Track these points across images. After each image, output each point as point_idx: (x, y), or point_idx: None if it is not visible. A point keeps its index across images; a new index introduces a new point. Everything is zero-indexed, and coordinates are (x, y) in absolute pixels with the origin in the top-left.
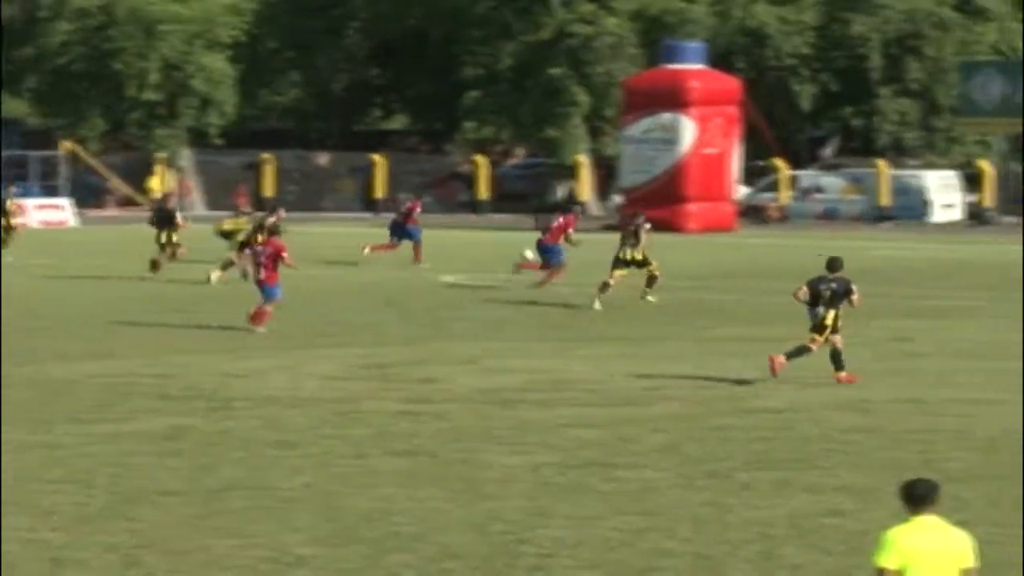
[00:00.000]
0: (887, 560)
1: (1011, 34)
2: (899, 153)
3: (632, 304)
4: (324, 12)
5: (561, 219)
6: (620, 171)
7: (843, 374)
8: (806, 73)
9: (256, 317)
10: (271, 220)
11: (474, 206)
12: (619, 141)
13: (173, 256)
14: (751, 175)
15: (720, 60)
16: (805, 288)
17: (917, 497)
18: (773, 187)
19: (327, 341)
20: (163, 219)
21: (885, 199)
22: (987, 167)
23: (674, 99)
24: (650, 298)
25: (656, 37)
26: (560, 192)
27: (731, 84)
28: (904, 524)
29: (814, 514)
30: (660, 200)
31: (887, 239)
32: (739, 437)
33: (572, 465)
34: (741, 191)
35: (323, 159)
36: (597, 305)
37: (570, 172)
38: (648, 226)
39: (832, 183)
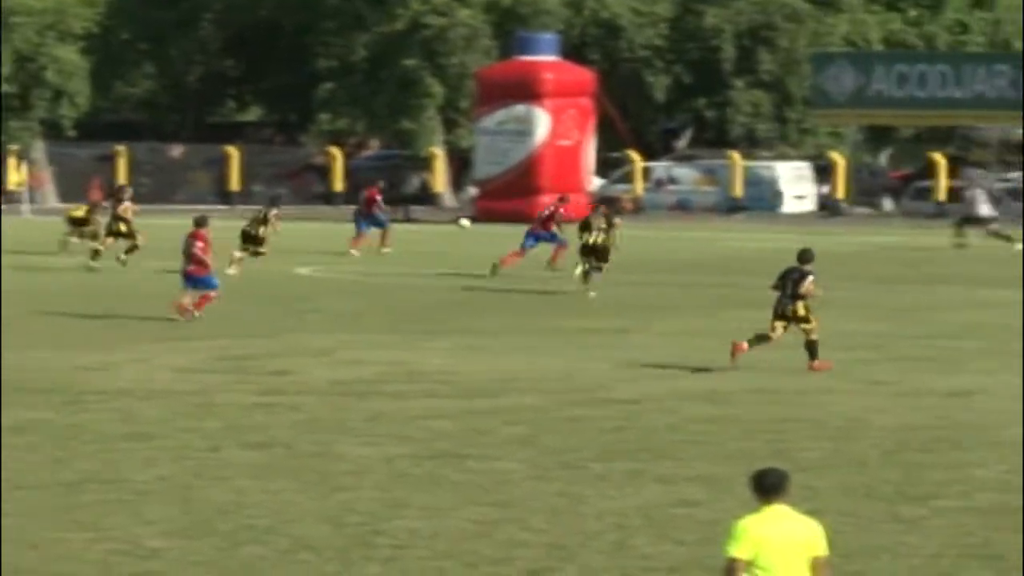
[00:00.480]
0: (738, 550)
1: (862, 25)
2: (752, 144)
3: (486, 297)
4: (177, 3)
5: (552, 209)
6: (475, 163)
7: (816, 362)
8: (659, 65)
9: (199, 303)
10: (273, 212)
11: (328, 198)
12: (473, 133)
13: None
14: (605, 167)
15: (573, 52)
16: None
17: (768, 487)
18: (627, 179)
19: (181, 333)
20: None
21: (738, 190)
22: (839, 158)
23: (528, 91)
24: (591, 295)
25: (509, 29)
26: (415, 184)
27: (584, 76)
28: (755, 514)
29: (667, 504)
30: (514, 192)
31: (740, 230)
32: (592, 428)
33: (426, 456)
34: (595, 183)
35: (177, 151)
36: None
37: (424, 164)
38: (618, 220)
39: (685, 174)
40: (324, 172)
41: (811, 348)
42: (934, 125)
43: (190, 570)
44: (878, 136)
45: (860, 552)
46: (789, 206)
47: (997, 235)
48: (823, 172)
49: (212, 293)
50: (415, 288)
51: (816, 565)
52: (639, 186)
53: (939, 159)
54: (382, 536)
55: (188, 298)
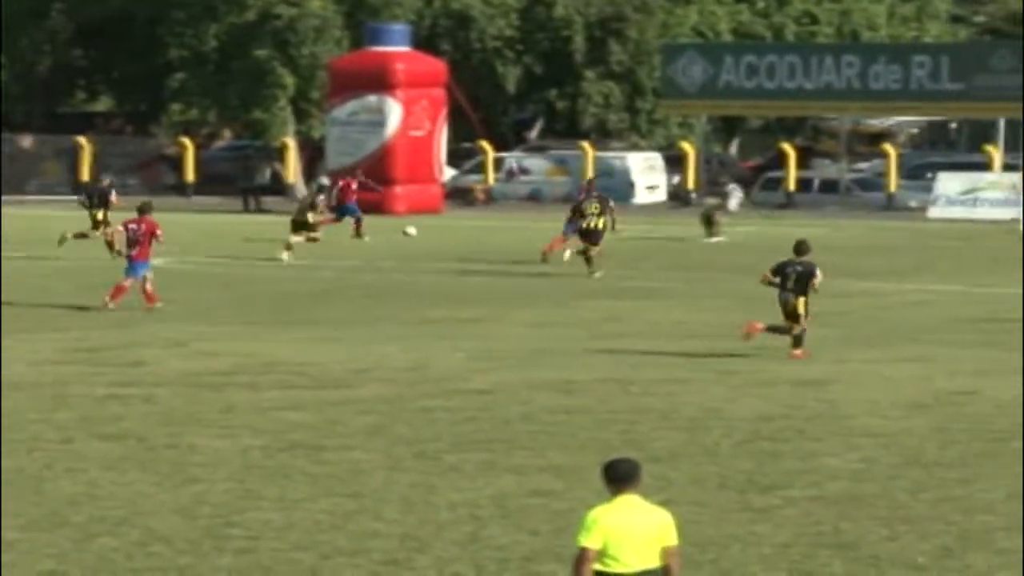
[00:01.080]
0: (589, 539)
1: (712, 16)
2: (603, 135)
3: (339, 286)
4: None
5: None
6: (327, 153)
7: (799, 351)
8: (510, 55)
9: (115, 293)
10: (320, 198)
11: (181, 188)
12: (325, 123)
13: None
14: (457, 157)
15: (425, 42)
16: (768, 273)
17: (619, 477)
18: (479, 169)
19: (35, 325)
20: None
21: None
22: (690, 149)
23: (380, 81)
24: (597, 275)
25: (361, 19)
26: (266, 174)
27: (436, 66)
28: (606, 504)
29: (520, 494)
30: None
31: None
32: (446, 418)
33: (280, 448)
34: (448, 173)
35: (27, 141)
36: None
37: (276, 154)
38: (611, 204)
39: (537, 165)
40: (176, 163)
41: (797, 337)
42: (784, 115)
43: (44, 562)
44: (728, 127)
45: (712, 542)
46: (641, 196)
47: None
48: (674, 162)
49: (127, 283)
50: (269, 279)
51: (666, 554)
52: (491, 177)
53: (789, 149)
54: (236, 528)
55: (129, 282)
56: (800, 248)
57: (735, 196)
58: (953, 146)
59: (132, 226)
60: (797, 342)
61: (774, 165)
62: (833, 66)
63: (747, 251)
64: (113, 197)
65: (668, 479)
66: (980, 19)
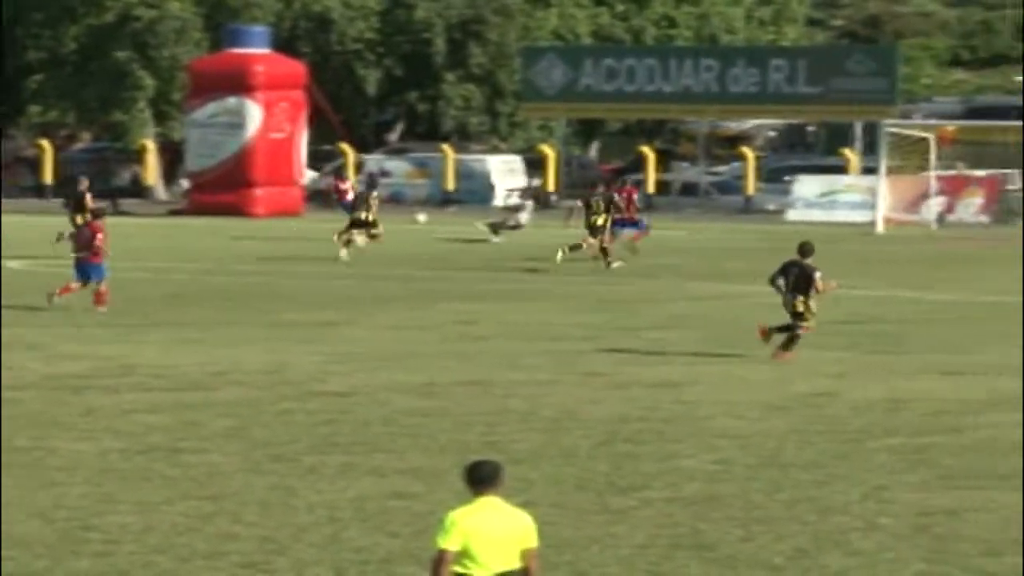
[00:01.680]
0: (448, 541)
1: (571, 20)
2: (464, 138)
3: (193, 289)
4: None
5: (626, 192)
6: (187, 155)
7: (788, 353)
8: (371, 58)
9: (98, 297)
10: (373, 194)
11: (39, 190)
12: (185, 125)
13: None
14: (318, 159)
15: (285, 44)
16: (779, 277)
17: (480, 479)
18: (340, 171)
19: None
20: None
21: (450, 183)
22: (550, 152)
23: (240, 83)
24: (615, 265)
25: (221, 21)
26: (125, 176)
27: (296, 68)
28: (467, 506)
29: (379, 496)
30: (227, 185)
31: (453, 223)
32: (305, 421)
33: (139, 451)
34: (308, 175)
35: None
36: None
37: (136, 156)
38: (616, 200)
39: (398, 167)
40: (34, 165)
41: (791, 340)
42: (643, 118)
43: None
44: (588, 129)
45: (570, 543)
46: (501, 199)
47: (495, 228)
48: (534, 165)
49: (77, 282)
50: (127, 281)
51: (526, 556)
52: (352, 179)
53: (648, 152)
54: (93, 531)
55: (76, 284)
56: (804, 249)
57: (525, 213)
58: (811, 149)
59: (88, 230)
60: (788, 344)
61: (634, 168)
62: (692, 69)
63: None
64: (88, 200)
65: (527, 480)
66: (837, 23)
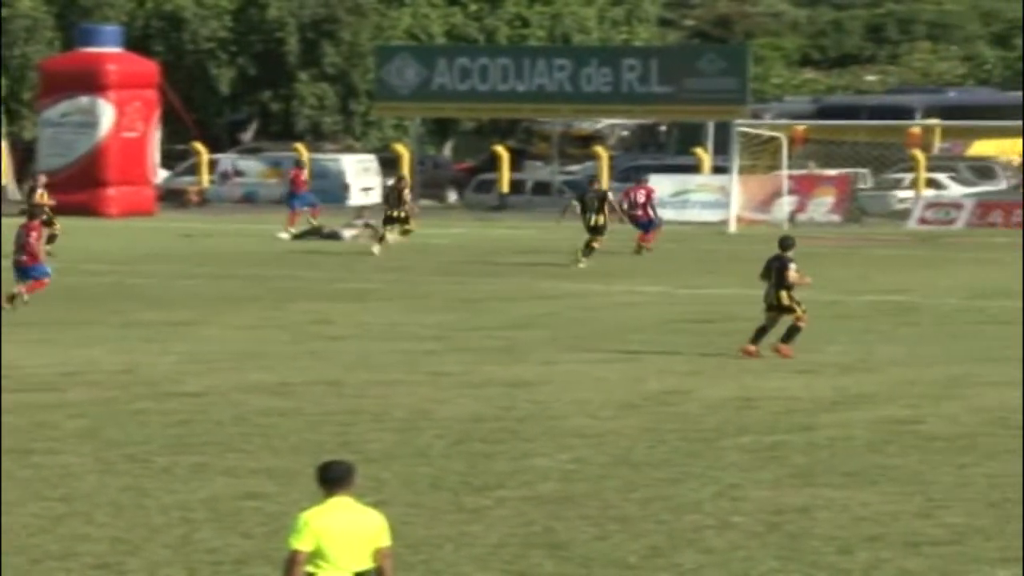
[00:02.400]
0: (300, 542)
1: (425, 19)
2: (318, 137)
3: (53, 289)
4: None
5: (643, 190)
6: (38, 155)
7: (786, 346)
8: (224, 57)
9: (31, 288)
10: (406, 192)
11: None
12: (37, 124)
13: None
14: (171, 159)
15: (138, 43)
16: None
17: (332, 479)
18: (193, 171)
19: None
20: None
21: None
22: (403, 151)
23: (92, 82)
24: (581, 264)
25: (73, 20)
26: None
27: (149, 68)
28: (319, 506)
29: (233, 497)
30: (80, 184)
31: (305, 222)
32: (158, 421)
33: None
34: (161, 175)
35: None
36: (583, 264)
37: None
38: (611, 196)
39: (251, 167)
40: None
41: (791, 332)
42: (496, 118)
43: None
44: (442, 129)
45: (425, 542)
46: (356, 198)
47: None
48: (388, 164)
49: (47, 280)
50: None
51: (379, 555)
52: (205, 178)
53: (502, 152)
54: None
55: (20, 288)
56: (784, 243)
57: (351, 231)
58: (663, 148)
59: (24, 231)
60: (788, 337)
61: (487, 167)
62: (545, 69)
63: (459, 253)
64: (38, 195)
65: (381, 480)
66: (688, 23)
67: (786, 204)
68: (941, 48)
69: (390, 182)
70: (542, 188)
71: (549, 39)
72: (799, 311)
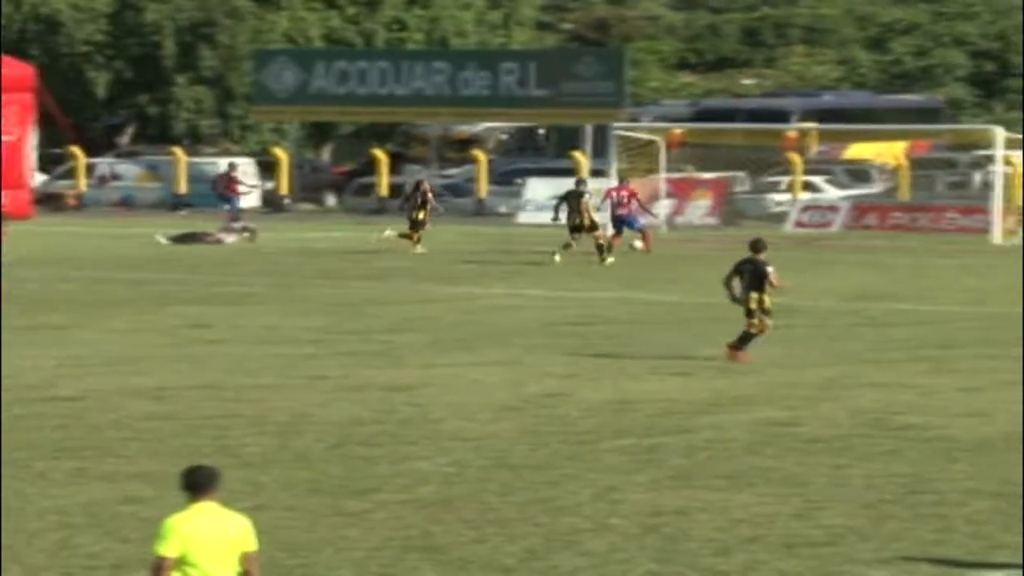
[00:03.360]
0: (166, 548)
1: (303, 23)
2: (196, 140)
3: None
4: None
5: (626, 190)
6: None
7: (740, 352)
8: (100, 60)
9: None
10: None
11: None
12: None
13: None
14: (47, 162)
15: (13, 47)
16: (734, 277)
17: (196, 484)
18: (70, 175)
19: None
20: None
21: (182, 186)
22: (282, 154)
23: None
24: (610, 259)
25: None
26: None
27: (25, 71)
28: (184, 511)
29: (111, 502)
30: None
31: (183, 226)
32: (36, 426)
33: None
34: (38, 178)
35: None
36: (557, 258)
37: None
38: (586, 197)
39: (128, 171)
40: None
41: (744, 338)
42: (375, 121)
43: None
44: (320, 132)
45: (304, 546)
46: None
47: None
48: (267, 168)
49: None
50: None
51: (246, 560)
52: (82, 182)
53: (380, 155)
54: None
55: None
56: (756, 245)
57: (232, 236)
58: (541, 152)
59: None
60: (742, 342)
61: (366, 171)
62: (423, 72)
63: (336, 257)
64: None
65: (259, 484)
66: (566, 26)
67: (663, 207)
68: (816, 52)
69: (409, 184)
70: None
71: (427, 43)
72: (759, 320)
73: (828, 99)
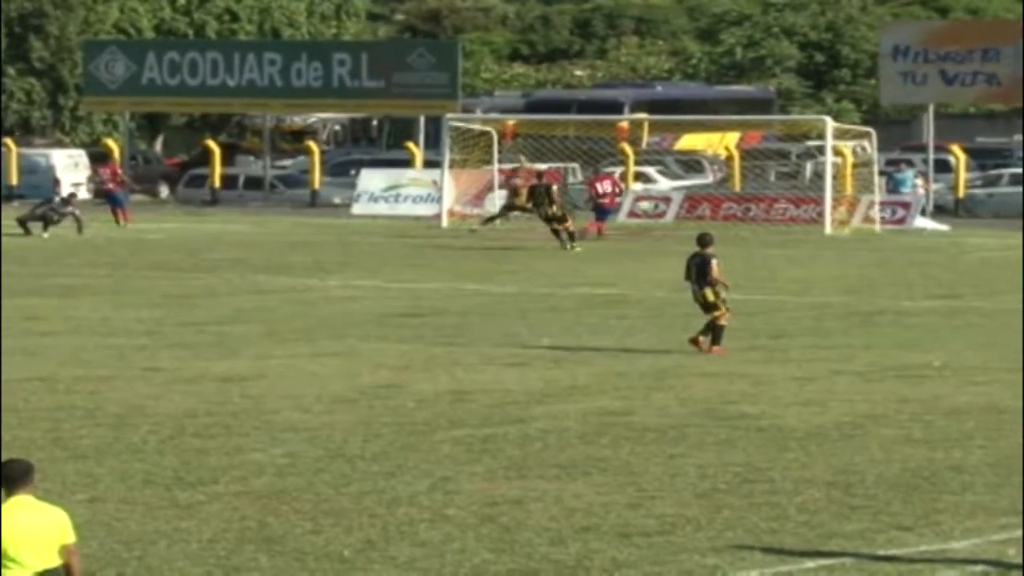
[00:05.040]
0: None
1: (133, 13)
2: (27, 132)
3: None
4: None
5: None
6: None
7: (716, 347)
8: None
9: None
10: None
11: None
12: None
13: None
14: None
15: None
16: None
17: (10, 478)
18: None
19: None
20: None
21: (14, 178)
22: (114, 146)
23: None
24: (577, 249)
25: None
26: None
27: None
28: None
29: None
30: None
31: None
32: None
33: None
34: None
35: None
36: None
37: None
38: (555, 187)
39: None
40: None
41: (715, 332)
42: (208, 112)
43: None
44: (152, 123)
45: (139, 538)
46: (66, 193)
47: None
48: (99, 159)
49: None
50: None
51: (65, 552)
52: None
53: (213, 146)
54: None
55: None
56: (703, 240)
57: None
58: (375, 143)
59: None
60: (715, 338)
61: (199, 162)
62: (255, 63)
63: (170, 248)
64: None
65: (95, 476)
66: (399, 17)
67: (497, 198)
68: (648, 43)
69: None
70: (254, 183)
71: (259, 33)
72: (722, 309)
73: (660, 90)
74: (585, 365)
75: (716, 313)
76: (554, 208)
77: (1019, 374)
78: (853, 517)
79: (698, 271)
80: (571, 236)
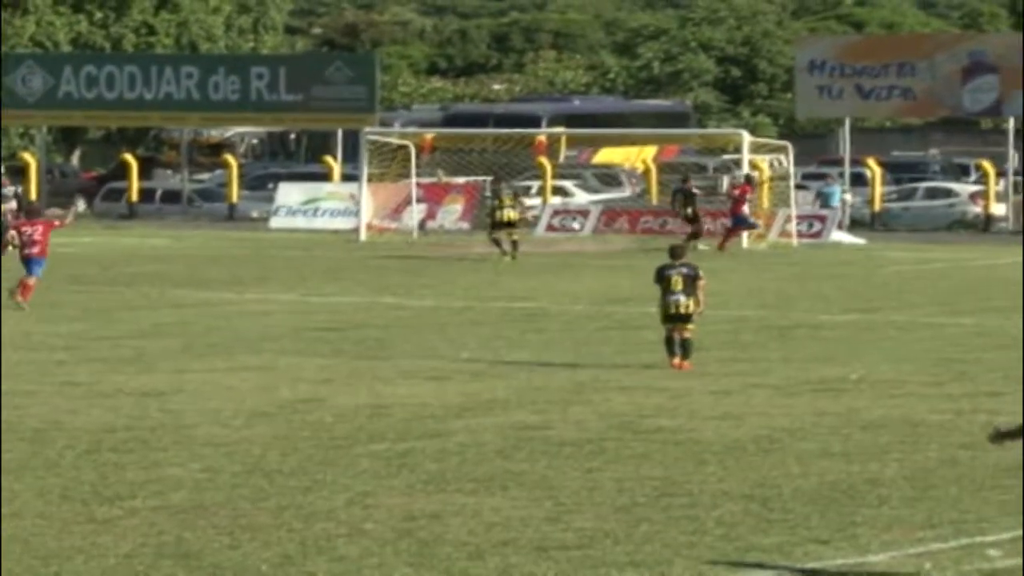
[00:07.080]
0: None
1: (50, 27)
2: None
3: None
4: None
5: (737, 191)
6: None
7: (686, 361)
8: None
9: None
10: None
11: None
12: None
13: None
14: None
15: None
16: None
17: None
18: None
19: None
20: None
21: None
22: (31, 160)
23: None
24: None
25: None
26: None
27: None
28: None
29: None
30: None
31: None
32: None
33: None
34: None
35: None
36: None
37: None
38: (520, 197)
39: None
40: None
41: (684, 346)
42: (125, 126)
43: None
44: (69, 137)
45: (55, 554)
46: None
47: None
48: (16, 173)
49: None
50: None
51: None
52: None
53: (130, 160)
54: None
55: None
56: (675, 252)
57: None
58: (292, 157)
59: (26, 229)
60: (685, 352)
61: (116, 176)
62: (173, 77)
63: (87, 262)
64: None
65: (13, 492)
66: (316, 31)
67: (416, 212)
68: (566, 57)
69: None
70: (172, 196)
71: (176, 47)
72: (693, 324)
73: (577, 104)
74: (503, 379)
75: (691, 326)
76: (689, 210)
77: (934, 388)
78: (771, 531)
79: (685, 281)
80: (695, 236)
